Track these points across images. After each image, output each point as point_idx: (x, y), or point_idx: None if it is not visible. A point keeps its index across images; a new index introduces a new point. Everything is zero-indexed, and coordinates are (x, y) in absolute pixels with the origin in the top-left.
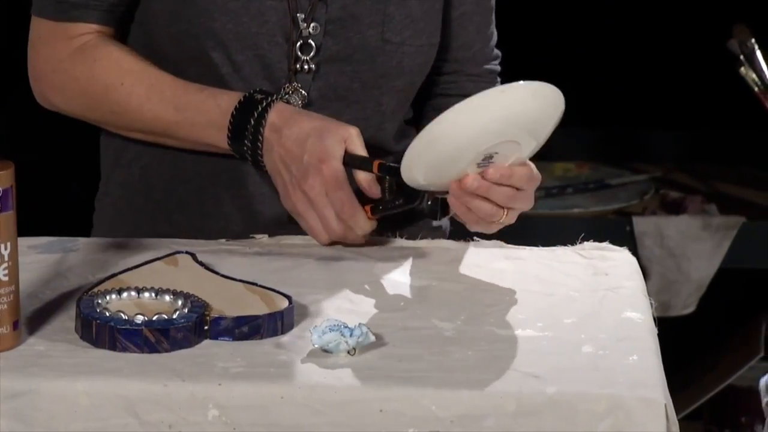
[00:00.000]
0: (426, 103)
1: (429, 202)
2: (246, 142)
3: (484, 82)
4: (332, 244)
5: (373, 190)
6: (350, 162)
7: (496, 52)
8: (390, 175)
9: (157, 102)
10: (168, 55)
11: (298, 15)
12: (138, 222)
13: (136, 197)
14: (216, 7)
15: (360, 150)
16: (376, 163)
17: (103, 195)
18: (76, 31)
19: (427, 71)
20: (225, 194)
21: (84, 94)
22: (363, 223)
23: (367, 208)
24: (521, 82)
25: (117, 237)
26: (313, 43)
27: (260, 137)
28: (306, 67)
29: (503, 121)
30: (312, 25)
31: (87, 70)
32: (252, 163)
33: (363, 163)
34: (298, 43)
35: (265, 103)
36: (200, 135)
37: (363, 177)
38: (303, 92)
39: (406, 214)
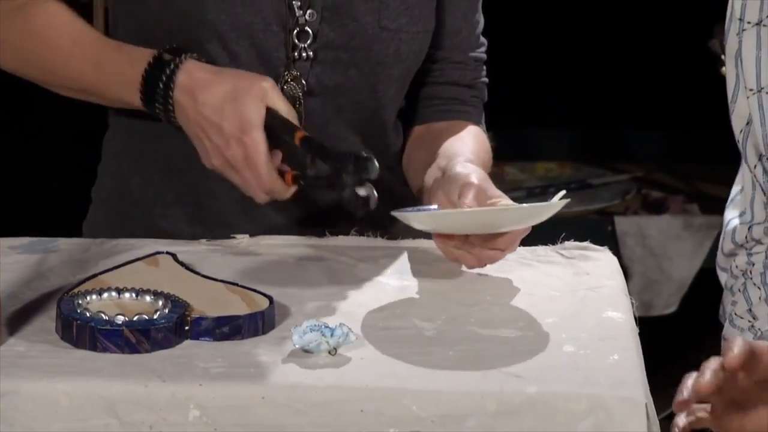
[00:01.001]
0: (420, 91)
1: (351, 192)
2: (157, 104)
3: (470, 69)
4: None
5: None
6: (273, 125)
7: (482, 39)
8: (312, 153)
9: (80, 60)
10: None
11: (293, 2)
12: (140, 183)
13: (136, 160)
14: None
15: (280, 103)
16: (299, 135)
17: (106, 163)
18: None
19: (422, 58)
20: None
21: (18, 51)
22: (282, 191)
23: (289, 175)
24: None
25: (115, 205)
26: (310, 30)
27: (170, 99)
28: (304, 54)
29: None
30: (309, 12)
31: (23, 26)
32: (166, 122)
33: (286, 129)
34: (295, 31)
35: (173, 65)
36: (118, 94)
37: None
38: (303, 81)
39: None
